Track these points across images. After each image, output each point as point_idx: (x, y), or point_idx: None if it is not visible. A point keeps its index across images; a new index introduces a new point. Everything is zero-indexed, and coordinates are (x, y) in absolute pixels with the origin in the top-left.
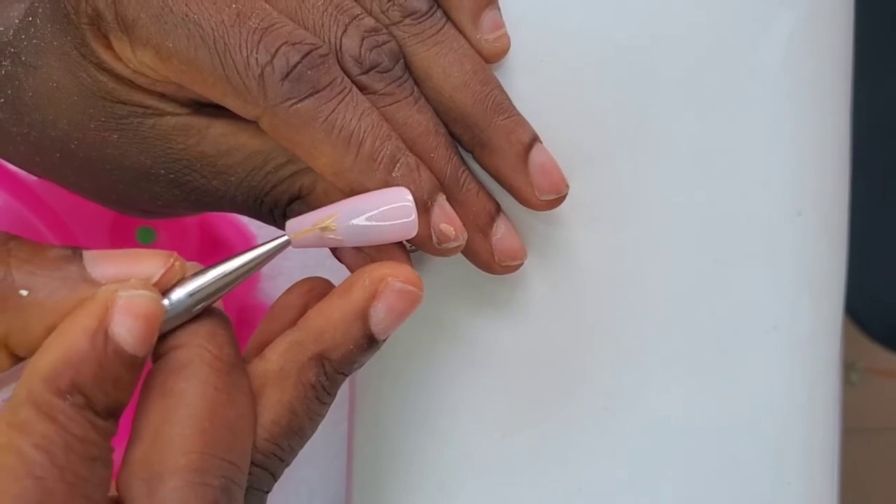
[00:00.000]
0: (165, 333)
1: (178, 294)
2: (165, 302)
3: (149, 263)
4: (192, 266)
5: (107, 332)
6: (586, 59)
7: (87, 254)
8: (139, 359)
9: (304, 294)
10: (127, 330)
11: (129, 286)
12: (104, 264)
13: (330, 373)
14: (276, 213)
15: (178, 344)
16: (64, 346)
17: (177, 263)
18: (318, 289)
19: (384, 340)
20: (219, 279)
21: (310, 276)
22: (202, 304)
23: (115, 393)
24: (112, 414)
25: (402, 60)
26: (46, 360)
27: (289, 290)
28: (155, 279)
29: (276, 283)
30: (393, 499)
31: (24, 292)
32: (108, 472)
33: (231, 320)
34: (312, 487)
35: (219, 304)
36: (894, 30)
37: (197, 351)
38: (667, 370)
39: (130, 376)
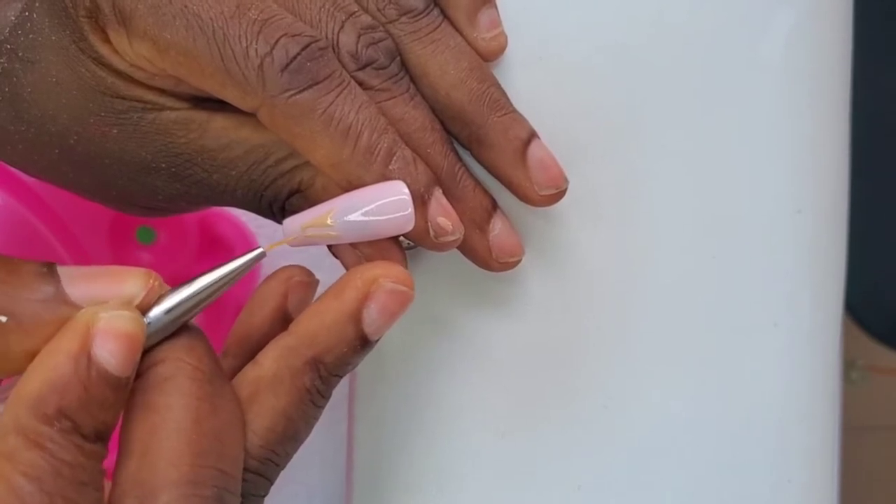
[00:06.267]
0: (144, 351)
1: (156, 312)
2: (145, 321)
3: (130, 283)
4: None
5: (90, 356)
6: (584, 57)
7: (62, 271)
8: (123, 379)
9: (283, 283)
10: (109, 352)
11: (110, 307)
12: (82, 284)
13: (324, 376)
14: (275, 206)
15: (158, 360)
16: (48, 372)
17: (156, 283)
18: (296, 276)
19: (377, 341)
20: (195, 295)
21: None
22: (179, 320)
23: (101, 415)
24: (100, 437)
25: (398, 58)
26: (31, 386)
27: (267, 279)
28: (137, 300)
29: None
30: (393, 498)
31: (2, 318)
32: (100, 496)
33: (205, 333)
34: (312, 487)
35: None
36: (893, 27)
37: (177, 364)
38: (666, 368)
39: (116, 397)
